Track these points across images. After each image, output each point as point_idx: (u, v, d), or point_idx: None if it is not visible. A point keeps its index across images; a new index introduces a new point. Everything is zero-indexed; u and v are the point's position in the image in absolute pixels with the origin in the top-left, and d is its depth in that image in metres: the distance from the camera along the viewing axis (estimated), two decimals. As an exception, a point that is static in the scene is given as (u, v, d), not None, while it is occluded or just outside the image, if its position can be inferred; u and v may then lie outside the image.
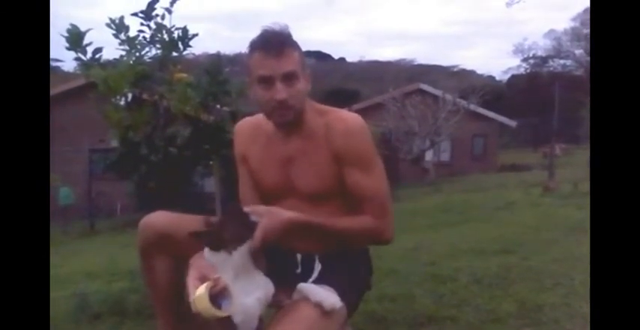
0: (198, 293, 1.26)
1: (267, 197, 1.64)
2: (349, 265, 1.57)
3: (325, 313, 1.35)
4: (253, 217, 1.36)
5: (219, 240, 1.35)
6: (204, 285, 1.28)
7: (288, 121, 1.52)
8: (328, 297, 1.36)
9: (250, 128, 1.66)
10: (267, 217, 1.37)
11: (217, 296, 1.28)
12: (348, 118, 1.54)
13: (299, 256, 1.56)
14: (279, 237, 1.40)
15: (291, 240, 1.50)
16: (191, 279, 1.34)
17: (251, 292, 1.36)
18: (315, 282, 1.48)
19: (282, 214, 1.42)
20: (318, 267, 1.53)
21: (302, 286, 1.40)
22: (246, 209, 1.38)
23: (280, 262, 1.49)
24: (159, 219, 1.57)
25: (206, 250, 1.38)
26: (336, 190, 1.54)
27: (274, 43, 1.46)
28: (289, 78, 1.46)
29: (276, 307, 1.44)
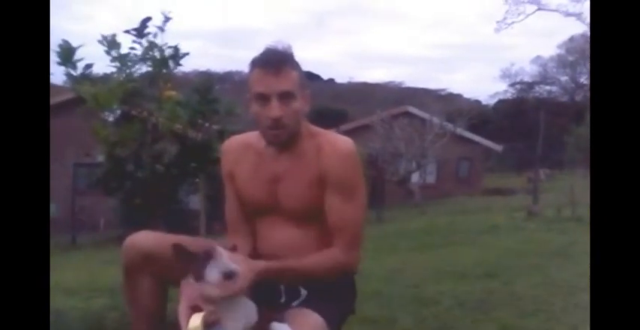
0: (193, 325, 1.27)
1: (253, 215, 1.64)
2: (334, 289, 1.55)
3: None
4: (232, 266, 1.32)
5: (193, 264, 1.35)
6: (200, 316, 1.28)
7: (282, 141, 1.52)
8: None
9: (239, 147, 1.66)
10: (244, 266, 1.35)
11: (209, 326, 1.29)
12: (338, 141, 1.55)
13: (282, 286, 1.54)
14: (253, 284, 1.38)
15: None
16: (183, 308, 1.33)
17: (233, 318, 1.36)
18: (300, 305, 1.48)
19: (257, 264, 1.41)
20: (303, 293, 1.52)
21: (273, 326, 1.38)
22: (223, 256, 1.33)
23: (263, 291, 1.48)
24: (144, 239, 1.55)
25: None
26: (321, 211, 1.54)
27: (273, 61, 1.47)
28: (285, 97, 1.47)
29: None
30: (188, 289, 1.36)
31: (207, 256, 1.32)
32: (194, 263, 1.34)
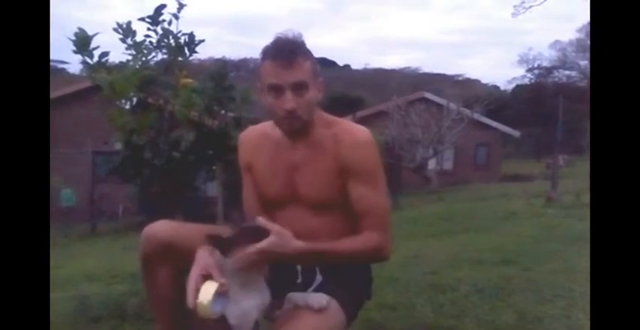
0: (205, 301, 1.28)
1: (271, 205, 1.63)
2: (350, 275, 1.56)
3: (321, 316, 1.36)
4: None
5: (229, 248, 1.36)
6: (213, 286, 1.30)
7: (295, 129, 1.53)
8: (314, 297, 1.38)
9: (256, 137, 1.66)
10: (278, 237, 1.36)
11: (218, 296, 1.31)
12: (356, 130, 1.55)
13: (299, 267, 1.55)
14: (280, 259, 1.40)
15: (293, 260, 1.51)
16: (194, 274, 1.34)
17: (250, 296, 1.37)
18: (314, 291, 1.48)
19: (292, 241, 1.40)
20: (319, 279, 1.53)
21: (290, 295, 1.41)
22: (261, 222, 1.37)
23: (281, 272, 1.49)
24: (162, 229, 1.55)
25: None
26: (340, 200, 1.54)
27: (286, 52, 1.45)
28: (299, 88, 1.46)
29: (268, 319, 1.44)
30: (204, 257, 1.37)
31: (257, 233, 1.34)
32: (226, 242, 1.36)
